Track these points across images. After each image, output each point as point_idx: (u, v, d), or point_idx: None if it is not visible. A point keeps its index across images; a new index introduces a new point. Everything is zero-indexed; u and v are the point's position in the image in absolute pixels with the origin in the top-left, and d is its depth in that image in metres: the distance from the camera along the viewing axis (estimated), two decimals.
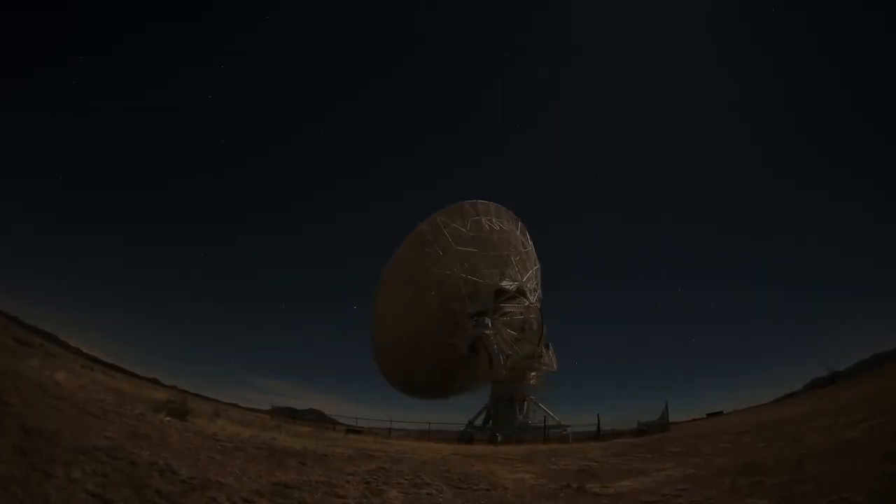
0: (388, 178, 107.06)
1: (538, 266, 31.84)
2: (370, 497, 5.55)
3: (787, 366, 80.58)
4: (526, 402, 27.12)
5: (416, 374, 29.56)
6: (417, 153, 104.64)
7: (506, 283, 29.27)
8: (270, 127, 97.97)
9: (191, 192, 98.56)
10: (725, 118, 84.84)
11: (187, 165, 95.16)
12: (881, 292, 79.22)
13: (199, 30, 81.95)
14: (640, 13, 78.40)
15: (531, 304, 28.92)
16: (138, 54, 79.63)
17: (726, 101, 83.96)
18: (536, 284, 31.17)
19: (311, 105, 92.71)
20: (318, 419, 31.03)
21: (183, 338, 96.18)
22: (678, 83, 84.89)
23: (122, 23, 75.49)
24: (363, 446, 12.08)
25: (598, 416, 24.86)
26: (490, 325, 27.14)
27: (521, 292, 29.29)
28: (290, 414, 31.23)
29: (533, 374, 27.31)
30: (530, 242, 31.57)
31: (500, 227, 29.81)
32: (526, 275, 30.12)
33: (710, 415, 29.40)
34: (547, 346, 27.48)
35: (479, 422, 27.66)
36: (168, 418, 9.42)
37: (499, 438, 22.51)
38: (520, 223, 31.21)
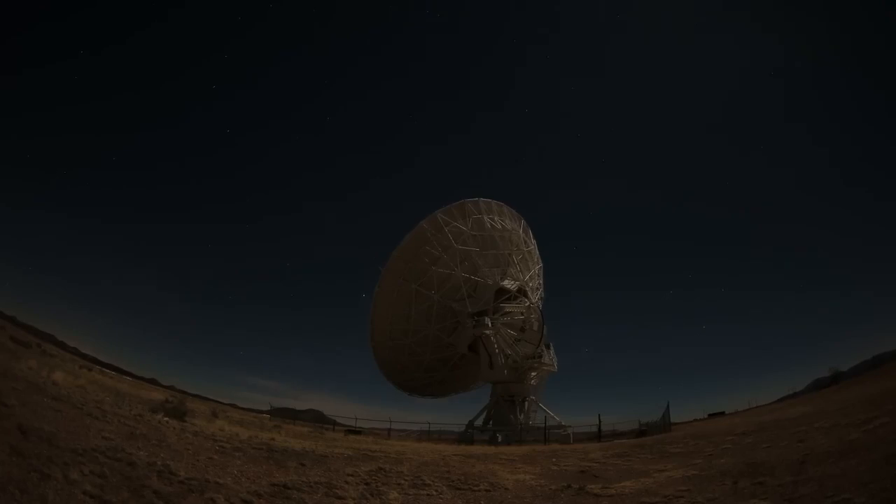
0: (387, 180, 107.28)
1: (541, 265, 31.64)
2: (370, 498, 5.52)
3: (790, 366, 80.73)
4: (527, 403, 27.05)
5: (415, 373, 29.47)
6: (419, 153, 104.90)
7: (507, 283, 29.18)
8: (270, 132, 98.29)
9: (190, 192, 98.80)
10: (727, 118, 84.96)
11: (188, 166, 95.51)
12: (884, 293, 79.27)
13: (198, 33, 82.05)
14: (640, 13, 78.54)
15: (532, 303, 28.85)
16: (140, 53, 79.71)
17: (729, 101, 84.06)
18: (538, 284, 31.11)
19: (312, 106, 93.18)
20: (317, 419, 30.92)
21: (182, 338, 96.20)
22: (678, 83, 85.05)
23: (123, 23, 75.56)
24: (363, 447, 12.07)
25: (599, 416, 24.92)
26: (490, 324, 27.09)
27: (522, 292, 29.16)
28: (290, 414, 31.12)
29: (533, 374, 27.24)
30: (533, 241, 31.28)
31: (502, 225, 29.50)
32: (528, 274, 30.03)
33: (711, 415, 29.40)
34: (548, 346, 27.39)
35: (479, 422, 27.58)
36: (166, 419, 9.40)
37: (499, 439, 22.47)
38: (522, 221, 30.84)
